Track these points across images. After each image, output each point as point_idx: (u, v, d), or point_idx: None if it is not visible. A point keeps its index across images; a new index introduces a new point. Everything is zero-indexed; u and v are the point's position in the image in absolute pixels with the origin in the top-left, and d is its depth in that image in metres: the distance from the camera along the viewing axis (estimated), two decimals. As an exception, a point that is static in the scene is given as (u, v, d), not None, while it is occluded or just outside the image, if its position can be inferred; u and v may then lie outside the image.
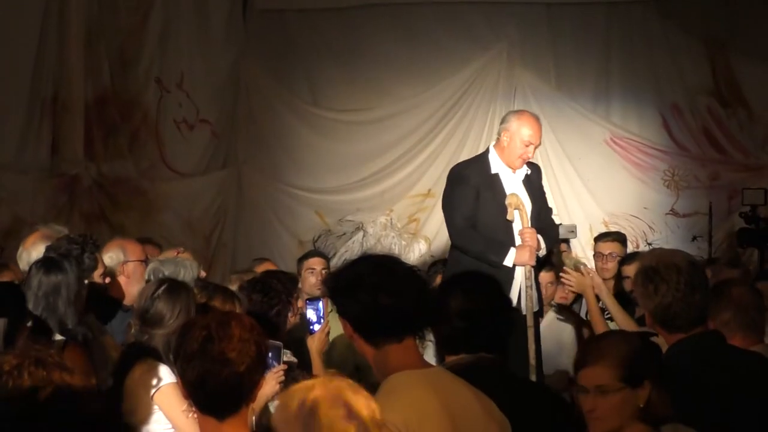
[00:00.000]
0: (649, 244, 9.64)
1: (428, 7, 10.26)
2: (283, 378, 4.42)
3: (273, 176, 10.49)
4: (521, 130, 6.20)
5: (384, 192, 10.29)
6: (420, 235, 10.22)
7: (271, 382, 4.30)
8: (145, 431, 4.42)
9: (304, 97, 10.50)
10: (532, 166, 6.39)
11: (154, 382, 4.38)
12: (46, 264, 4.71)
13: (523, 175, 6.29)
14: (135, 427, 4.44)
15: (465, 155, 9.96)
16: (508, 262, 6.08)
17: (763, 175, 9.49)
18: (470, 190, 6.18)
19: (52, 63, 8.78)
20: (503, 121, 6.38)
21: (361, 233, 10.28)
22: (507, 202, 6.11)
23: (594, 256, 7.38)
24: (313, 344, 5.11)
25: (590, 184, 9.78)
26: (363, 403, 2.42)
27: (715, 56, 9.85)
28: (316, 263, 7.51)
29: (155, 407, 4.40)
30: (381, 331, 3.16)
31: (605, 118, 9.99)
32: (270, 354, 3.92)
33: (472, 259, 6.08)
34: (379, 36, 10.34)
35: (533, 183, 6.35)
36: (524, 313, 6.00)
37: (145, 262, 5.70)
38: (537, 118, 6.34)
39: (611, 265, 6.98)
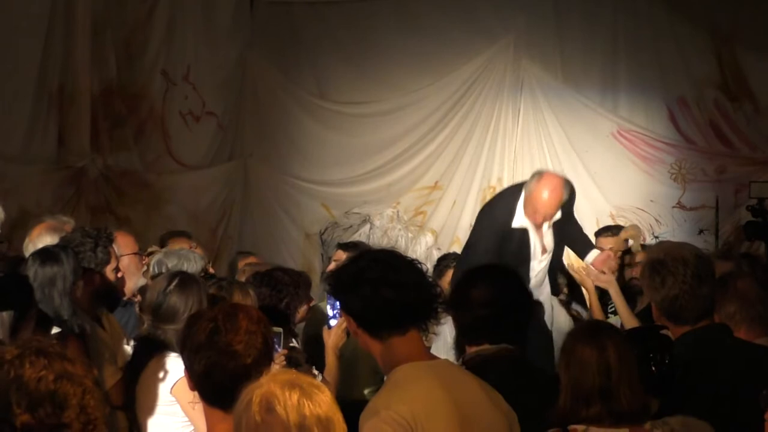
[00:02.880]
0: (656, 237, 9.61)
1: (435, -1, 10.25)
2: (285, 362, 4.43)
3: (279, 168, 10.49)
4: (537, 194, 5.79)
5: (390, 185, 10.27)
6: (426, 227, 10.20)
7: (274, 368, 4.30)
8: (162, 424, 4.41)
9: (310, 89, 10.48)
10: (567, 192, 5.93)
11: (172, 375, 4.37)
12: (42, 255, 4.68)
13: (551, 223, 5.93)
14: (146, 420, 4.44)
15: (472, 148, 10.00)
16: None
17: (770, 169, 9.48)
18: (494, 235, 5.84)
19: (59, 55, 8.76)
20: (531, 176, 5.96)
21: (367, 226, 10.26)
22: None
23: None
24: (330, 339, 5.08)
25: (597, 177, 9.76)
26: (295, 401, 2.39)
27: (722, 49, 9.81)
28: (336, 256, 7.29)
29: (172, 400, 4.38)
30: (385, 325, 3.16)
31: (612, 111, 9.96)
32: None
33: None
34: (386, 28, 10.31)
35: (563, 214, 5.97)
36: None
37: (139, 254, 5.70)
38: (556, 188, 5.79)
39: (611, 260, 6.94)
